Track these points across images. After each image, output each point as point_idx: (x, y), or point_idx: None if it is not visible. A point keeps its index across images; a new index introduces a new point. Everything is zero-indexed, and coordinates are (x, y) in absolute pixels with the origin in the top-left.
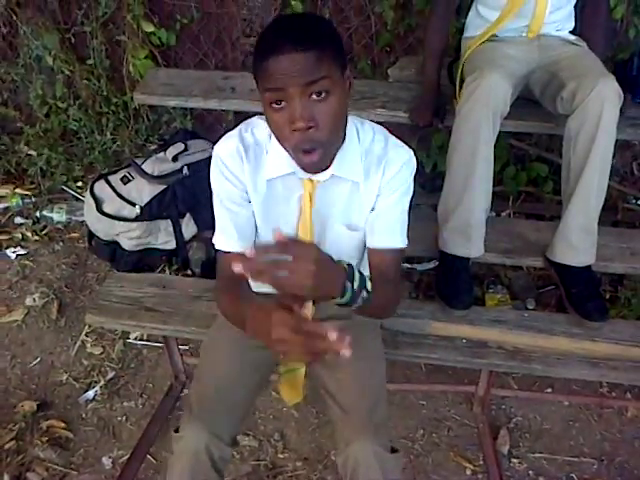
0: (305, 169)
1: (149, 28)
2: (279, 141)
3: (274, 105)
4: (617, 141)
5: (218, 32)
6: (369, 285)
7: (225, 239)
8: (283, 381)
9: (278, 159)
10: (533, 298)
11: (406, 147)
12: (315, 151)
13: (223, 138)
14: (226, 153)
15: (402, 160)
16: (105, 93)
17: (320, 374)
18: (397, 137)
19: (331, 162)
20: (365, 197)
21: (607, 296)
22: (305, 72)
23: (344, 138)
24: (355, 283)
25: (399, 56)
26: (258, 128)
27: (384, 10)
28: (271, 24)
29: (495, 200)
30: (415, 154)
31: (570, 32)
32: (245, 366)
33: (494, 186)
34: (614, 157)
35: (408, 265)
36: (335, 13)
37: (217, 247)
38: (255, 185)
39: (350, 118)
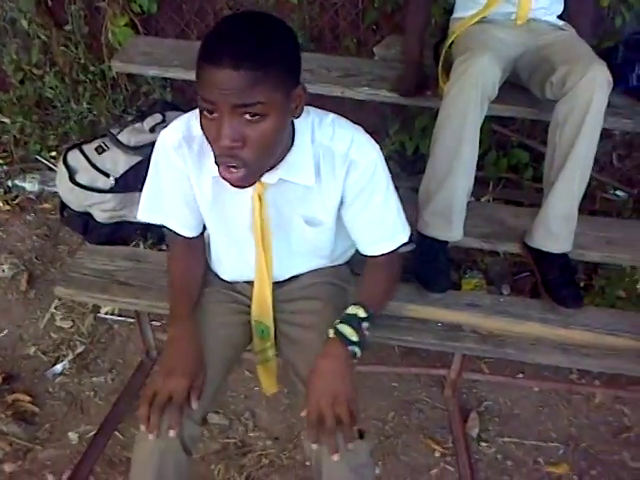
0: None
1: None
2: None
3: (206, 113)
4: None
5: (201, 2)
6: (361, 312)
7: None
8: (260, 371)
9: None
10: (508, 284)
11: (373, 144)
12: (238, 169)
13: (170, 125)
14: (170, 143)
15: (368, 159)
16: (82, 61)
17: (289, 355)
18: (367, 131)
19: (278, 165)
20: (326, 195)
21: (582, 284)
22: (238, 94)
23: (292, 142)
24: (353, 337)
25: (385, 35)
26: None
27: None
28: (219, 26)
29: (475, 185)
30: (398, 136)
31: (558, 17)
32: (219, 343)
33: (475, 171)
34: None
35: None
36: None
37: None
38: (199, 180)
39: (308, 115)
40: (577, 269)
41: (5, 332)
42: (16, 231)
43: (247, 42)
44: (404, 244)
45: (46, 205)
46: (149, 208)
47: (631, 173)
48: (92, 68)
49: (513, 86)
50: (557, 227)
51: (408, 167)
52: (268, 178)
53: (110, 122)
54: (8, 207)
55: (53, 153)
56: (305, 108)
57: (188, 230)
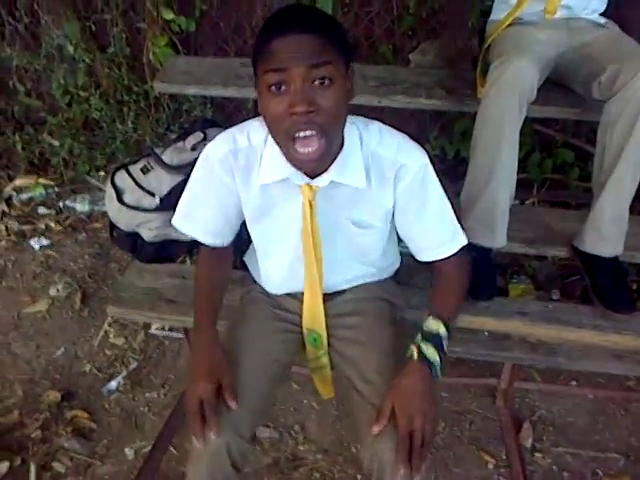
0: (300, 166)
1: (169, 15)
2: (273, 132)
3: (273, 89)
4: None
5: (238, 18)
6: (442, 329)
7: (195, 228)
8: (315, 378)
9: (273, 164)
10: (558, 288)
11: (420, 149)
12: (313, 138)
13: (216, 139)
14: (215, 157)
15: (418, 163)
16: (126, 82)
17: (344, 369)
18: (412, 137)
19: (329, 167)
20: (376, 200)
21: (634, 287)
22: (310, 54)
23: (343, 143)
24: (436, 357)
25: (421, 40)
26: (255, 131)
27: None
28: (277, 11)
29: (519, 188)
30: (438, 141)
31: (601, 14)
32: (266, 359)
33: (518, 173)
34: None
35: None
36: None
37: (184, 231)
38: (248, 191)
39: (353, 122)
40: (628, 272)
41: (62, 350)
42: (69, 251)
43: (308, 14)
44: (463, 247)
45: (96, 224)
46: (180, 214)
47: None
48: (135, 89)
49: (554, 85)
50: (608, 230)
51: (450, 172)
52: (319, 181)
53: (154, 140)
54: (60, 228)
55: (101, 173)
56: (349, 117)
57: (213, 238)
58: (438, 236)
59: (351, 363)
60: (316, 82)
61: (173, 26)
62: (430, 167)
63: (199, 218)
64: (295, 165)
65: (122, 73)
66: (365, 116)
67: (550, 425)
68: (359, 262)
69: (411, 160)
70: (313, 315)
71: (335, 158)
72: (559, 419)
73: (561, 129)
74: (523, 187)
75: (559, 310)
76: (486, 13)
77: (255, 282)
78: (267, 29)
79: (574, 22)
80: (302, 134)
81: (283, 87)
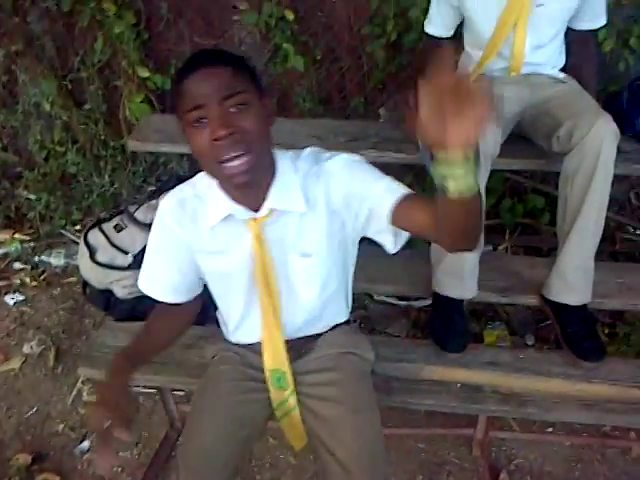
0: (235, 185)
1: (144, 73)
2: (203, 165)
3: (195, 124)
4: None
5: None
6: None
7: (153, 287)
8: (284, 427)
9: (216, 204)
10: (532, 333)
11: (343, 153)
12: (240, 157)
13: (167, 195)
14: (166, 210)
15: (340, 160)
16: (102, 137)
17: (316, 428)
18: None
19: (265, 197)
20: (317, 220)
21: (606, 331)
22: (221, 86)
23: (274, 172)
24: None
25: (391, 93)
26: (199, 180)
27: (374, 50)
28: (187, 58)
29: (492, 233)
30: (412, 189)
31: (561, 69)
32: (235, 422)
33: (491, 219)
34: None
35: (404, 302)
36: (327, 53)
37: (145, 292)
38: (199, 237)
39: (285, 151)
40: (597, 320)
41: (34, 410)
42: (43, 307)
43: (217, 52)
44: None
45: (72, 279)
46: (142, 275)
47: None
48: (112, 143)
49: (519, 139)
50: (574, 279)
51: None
52: (261, 212)
53: (131, 193)
54: (35, 283)
55: (77, 227)
56: (282, 151)
57: (171, 296)
58: (384, 190)
59: (321, 421)
60: (232, 109)
61: (149, 84)
62: (353, 157)
63: (157, 275)
64: (231, 191)
65: (98, 128)
66: None
67: (527, 474)
68: (316, 298)
69: (334, 162)
70: (273, 353)
71: (270, 187)
72: (536, 467)
73: (530, 176)
74: (496, 232)
75: (530, 359)
76: None
77: (226, 340)
78: (179, 75)
79: (535, 78)
80: (227, 156)
81: (204, 120)
